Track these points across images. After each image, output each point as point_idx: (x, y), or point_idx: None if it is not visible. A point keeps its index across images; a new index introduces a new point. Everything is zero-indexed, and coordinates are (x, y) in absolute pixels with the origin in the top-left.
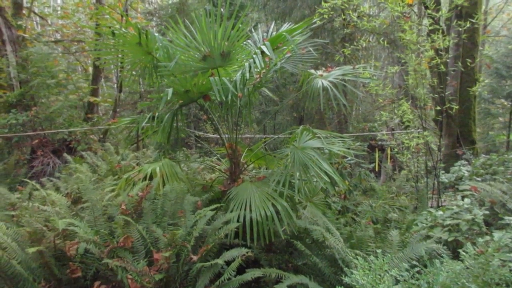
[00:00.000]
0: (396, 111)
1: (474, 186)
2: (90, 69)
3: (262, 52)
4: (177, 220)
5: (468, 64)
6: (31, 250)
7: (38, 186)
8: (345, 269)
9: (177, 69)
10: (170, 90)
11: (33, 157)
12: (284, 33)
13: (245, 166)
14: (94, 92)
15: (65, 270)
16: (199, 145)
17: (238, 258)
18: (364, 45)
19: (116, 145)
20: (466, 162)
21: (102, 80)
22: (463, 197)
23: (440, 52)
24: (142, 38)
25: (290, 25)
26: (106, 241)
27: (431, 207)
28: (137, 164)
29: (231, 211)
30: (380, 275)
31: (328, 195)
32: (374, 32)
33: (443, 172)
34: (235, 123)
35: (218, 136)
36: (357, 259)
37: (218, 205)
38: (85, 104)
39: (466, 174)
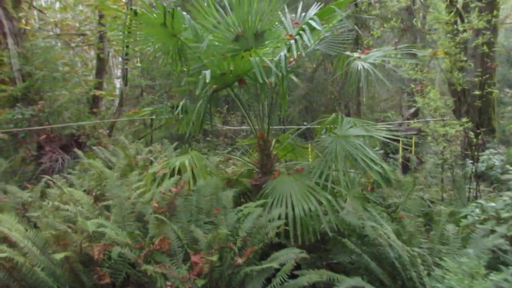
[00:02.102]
0: (426, 98)
1: None
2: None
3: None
4: (213, 218)
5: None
6: (59, 256)
7: (55, 183)
8: (404, 272)
9: (205, 52)
10: (208, 72)
11: (40, 154)
12: (332, 6)
13: (277, 158)
14: (98, 86)
15: (92, 277)
16: (208, 138)
17: (291, 260)
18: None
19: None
20: (495, 151)
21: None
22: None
23: (484, 31)
24: (168, 18)
25: (318, 5)
26: (138, 243)
27: (472, 198)
28: (155, 158)
29: (270, 207)
30: (476, 279)
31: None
32: (387, 18)
33: (471, 162)
34: (267, 111)
35: (238, 127)
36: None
37: (264, 200)
38: (89, 99)
39: (497, 163)
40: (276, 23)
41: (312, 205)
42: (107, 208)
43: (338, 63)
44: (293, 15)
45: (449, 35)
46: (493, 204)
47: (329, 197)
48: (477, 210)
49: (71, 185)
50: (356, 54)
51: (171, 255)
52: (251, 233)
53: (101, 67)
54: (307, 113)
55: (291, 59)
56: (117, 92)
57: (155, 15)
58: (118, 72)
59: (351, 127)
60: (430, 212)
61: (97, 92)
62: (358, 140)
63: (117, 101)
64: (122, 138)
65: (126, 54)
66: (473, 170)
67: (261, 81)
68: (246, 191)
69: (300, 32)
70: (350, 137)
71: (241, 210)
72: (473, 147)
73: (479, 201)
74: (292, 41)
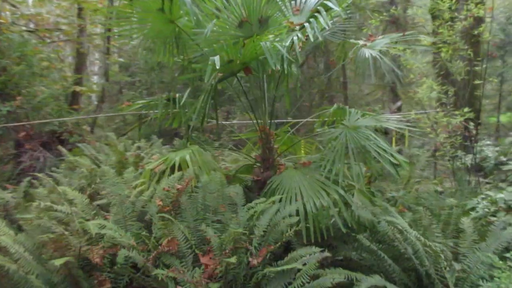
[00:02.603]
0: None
1: None
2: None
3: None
4: (221, 216)
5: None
6: (59, 261)
7: (41, 182)
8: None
9: (206, 39)
10: (217, 58)
11: (20, 152)
12: None
13: (277, 152)
14: (78, 82)
15: (92, 282)
16: (193, 134)
17: (314, 260)
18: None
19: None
20: (488, 143)
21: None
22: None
23: (486, 17)
24: (166, 3)
25: None
26: (144, 245)
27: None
28: (146, 155)
29: (279, 203)
30: None
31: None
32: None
33: (464, 153)
34: (270, 103)
35: (229, 122)
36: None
37: (279, 196)
38: (69, 95)
39: (490, 154)
40: (277, 10)
41: (324, 200)
42: (102, 207)
43: (342, 51)
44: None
45: (448, 23)
46: (501, 195)
47: (341, 191)
48: (484, 202)
49: (57, 184)
50: (361, 42)
51: (180, 257)
52: (266, 232)
53: (81, 62)
54: (293, 107)
55: (299, 46)
56: (95, 88)
57: (150, 1)
58: (95, 68)
59: (359, 118)
60: (435, 205)
61: (78, 88)
62: (369, 131)
63: (94, 98)
64: (110, 134)
65: (108, 49)
66: (473, 161)
67: (273, 67)
68: (245, 187)
69: (316, 14)
70: (361, 128)
71: (252, 207)
72: (473, 138)
73: (487, 192)
74: (306, 24)
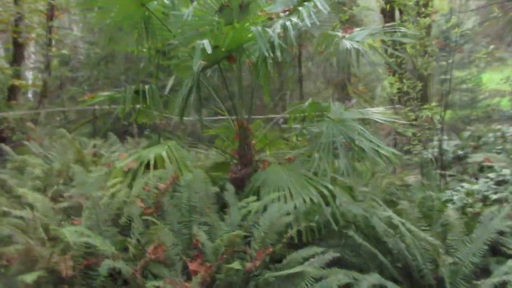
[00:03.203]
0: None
1: (486, 158)
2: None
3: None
4: (206, 217)
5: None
6: (30, 277)
7: None
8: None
9: (183, 25)
10: (206, 42)
11: None
12: None
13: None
14: (16, 75)
15: None
16: (146, 132)
17: (321, 262)
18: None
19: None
20: (445, 137)
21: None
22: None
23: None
24: None
25: None
26: (125, 253)
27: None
28: (107, 153)
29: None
30: None
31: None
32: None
33: (422, 148)
34: (249, 96)
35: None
36: None
37: (276, 194)
38: (5, 89)
39: (448, 148)
40: None
41: (314, 196)
42: (66, 211)
43: (322, 42)
44: None
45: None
46: (476, 187)
47: (331, 186)
48: (459, 195)
49: (2, 186)
50: (339, 34)
51: (168, 265)
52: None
53: (19, 54)
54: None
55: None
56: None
57: None
58: (29, 62)
59: (343, 111)
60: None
61: (17, 82)
62: (356, 124)
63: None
64: (63, 130)
65: (50, 39)
66: (440, 155)
67: (266, 54)
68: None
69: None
70: (348, 121)
71: (244, 207)
72: (438, 133)
73: (463, 184)
74: (301, 8)
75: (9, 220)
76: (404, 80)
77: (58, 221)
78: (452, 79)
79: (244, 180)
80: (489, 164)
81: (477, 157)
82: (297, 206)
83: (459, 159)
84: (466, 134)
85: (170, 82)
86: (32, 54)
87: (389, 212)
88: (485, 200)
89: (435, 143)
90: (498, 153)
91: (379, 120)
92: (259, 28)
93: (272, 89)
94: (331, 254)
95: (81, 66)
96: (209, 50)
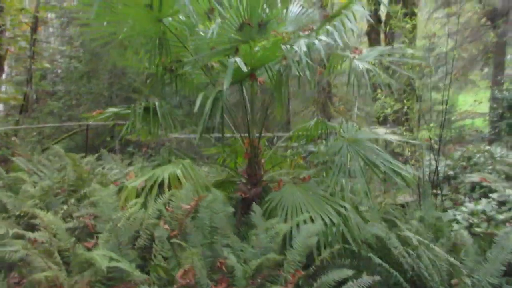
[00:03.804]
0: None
1: (483, 177)
2: None
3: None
4: (227, 239)
5: None
6: None
7: None
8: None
9: (201, 42)
10: (239, 60)
11: None
12: None
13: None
14: None
15: None
16: (130, 149)
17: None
18: None
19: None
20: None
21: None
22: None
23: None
24: None
25: None
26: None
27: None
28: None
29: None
30: None
31: None
32: None
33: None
34: (263, 114)
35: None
36: None
37: (305, 215)
38: None
39: (439, 168)
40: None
41: (333, 217)
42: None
43: (333, 62)
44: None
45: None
46: (479, 207)
47: (348, 206)
48: (462, 214)
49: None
50: (349, 54)
51: None
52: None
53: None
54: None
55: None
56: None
57: None
58: (3, 76)
59: (356, 130)
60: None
61: None
62: (373, 145)
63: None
64: (56, 146)
65: (33, 52)
66: (436, 175)
67: (297, 73)
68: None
69: (342, 17)
70: (363, 141)
71: (269, 228)
72: (436, 152)
73: (466, 204)
74: (337, 23)
75: (21, 243)
76: (405, 101)
77: (72, 244)
78: (430, 100)
79: (253, 200)
80: (486, 184)
81: (474, 177)
82: (318, 227)
83: (448, 179)
84: (457, 154)
85: (198, 100)
86: (7, 67)
87: (407, 232)
88: (489, 220)
89: (426, 163)
90: (490, 173)
91: (392, 140)
92: (288, 46)
93: (257, 107)
94: (369, 278)
95: (59, 81)
96: (244, 68)
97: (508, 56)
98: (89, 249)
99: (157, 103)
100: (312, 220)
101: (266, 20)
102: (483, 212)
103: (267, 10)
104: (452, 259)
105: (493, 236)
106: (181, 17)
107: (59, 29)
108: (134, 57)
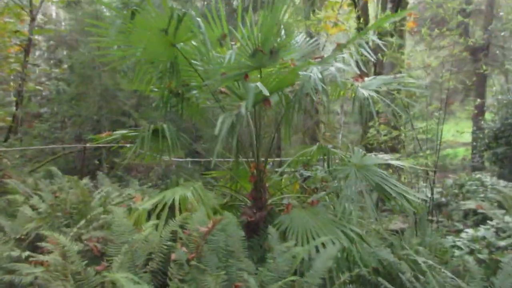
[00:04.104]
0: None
1: (479, 205)
2: None
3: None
4: (241, 263)
5: None
6: None
7: None
8: None
9: (212, 68)
10: (260, 85)
11: None
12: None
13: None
14: None
15: None
16: (119, 173)
17: None
18: None
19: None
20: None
21: None
22: (465, 216)
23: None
24: (173, 24)
25: None
26: None
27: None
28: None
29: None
30: None
31: None
32: None
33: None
34: (271, 137)
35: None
36: None
37: (324, 238)
38: None
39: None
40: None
41: (344, 241)
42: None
43: (335, 90)
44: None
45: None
46: (480, 233)
47: (359, 231)
48: (462, 241)
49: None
50: (353, 82)
51: None
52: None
53: None
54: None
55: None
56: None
57: (152, 19)
58: None
59: (362, 156)
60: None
61: None
62: (381, 170)
63: None
64: (54, 168)
65: (25, 75)
66: (432, 201)
67: (314, 98)
68: None
69: (360, 42)
70: (371, 166)
71: (284, 251)
72: (431, 179)
73: (467, 230)
74: (346, 56)
75: (28, 266)
76: (402, 128)
77: (84, 267)
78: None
79: (259, 224)
80: (482, 211)
81: (470, 204)
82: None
83: (439, 206)
84: (449, 182)
85: (219, 122)
86: None
87: (422, 258)
88: (490, 246)
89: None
90: (482, 201)
91: (398, 165)
92: (310, 72)
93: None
94: None
95: (45, 103)
96: (266, 93)
97: (494, 88)
98: (99, 272)
99: (165, 126)
100: (323, 245)
101: (278, 48)
102: (483, 238)
103: (278, 39)
104: (463, 284)
105: (497, 262)
106: (193, 42)
107: (47, 52)
108: (125, 80)
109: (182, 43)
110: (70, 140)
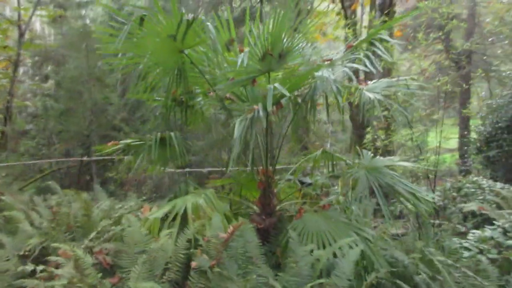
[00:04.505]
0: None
1: (481, 206)
2: None
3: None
4: (259, 269)
5: None
6: None
7: None
8: None
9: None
10: (279, 86)
11: None
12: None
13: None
14: None
15: None
16: (111, 187)
17: None
18: None
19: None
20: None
21: None
22: (464, 218)
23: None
24: (181, 29)
25: None
26: None
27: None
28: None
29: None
30: None
31: None
32: None
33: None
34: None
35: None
36: None
37: (348, 239)
38: None
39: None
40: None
41: (359, 243)
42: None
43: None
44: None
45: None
46: (487, 233)
47: (373, 233)
48: (470, 241)
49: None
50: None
51: None
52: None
53: None
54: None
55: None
56: None
57: (161, 26)
58: None
59: (371, 158)
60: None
61: None
62: (392, 172)
63: None
64: (52, 183)
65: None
66: (434, 203)
67: (340, 101)
68: None
69: (372, 46)
70: (381, 168)
71: (305, 256)
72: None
73: (474, 231)
74: (362, 55)
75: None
76: (402, 132)
77: (99, 280)
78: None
79: (269, 230)
80: (485, 212)
81: (472, 206)
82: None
83: (437, 209)
84: (448, 185)
85: (237, 127)
86: None
87: (439, 257)
88: (499, 246)
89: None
90: (482, 202)
91: (407, 166)
92: (322, 73)
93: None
94: None
95: (31, 119)
96: (287, 93)
97: (483, 93)
98: (114, 285)
99: (172, 134)
100: (340, 248)
101: (286, 52)
102: (491, 238)
103: (286, 44)
104: (486, 282)
105: (509, 261)
106: (201, 48)
107: (32, 68)
108: (115, 94)
109: (187, 50)
110: (59, 156)
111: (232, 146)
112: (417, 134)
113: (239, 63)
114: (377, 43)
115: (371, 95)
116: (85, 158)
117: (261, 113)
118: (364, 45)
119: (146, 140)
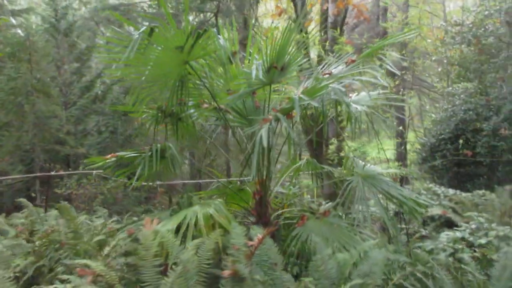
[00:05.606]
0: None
1: (444, 211)
2: None
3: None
4: (280, 273)
5: None
6: None
7: None
8: None
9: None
10: (304, 96)
11: None
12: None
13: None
14: None
15: None
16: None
17: None
18: None
19: None
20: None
21: None
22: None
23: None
24: (190, 41)
25: None
26: None
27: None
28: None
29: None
30: None
31: None
32: None
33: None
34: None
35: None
36: None
37: (373, 241)
38: None
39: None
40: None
41: (366, 247)
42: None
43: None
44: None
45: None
46: (458, 234)
47: (374, 237)
48: (442, 243)
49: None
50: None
51: None
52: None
53: None
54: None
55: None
56: None
57: (170, 36)
58: None
59: (363, 166)
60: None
61: None
62: (386, 178)
63: None
64: (24, 200)
65: None
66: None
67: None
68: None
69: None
70: (375, 175)
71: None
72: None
73: (446, 232)
74: (371, 70)
75: None
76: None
77: None
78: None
79: None
80: (447, 216)
81: (436, 211)
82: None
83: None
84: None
85: (259, 135)
86: None
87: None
88: (470, 246)
89: (371, 202)
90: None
91: (401, 173)
92: (336, 87)
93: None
94: None
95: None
96: (315, 104)
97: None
98: None
99: (171, 145)
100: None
101: (287, 65)
102: (463, 238)
103: (288, 56)
104: (477, 274)
105: (486, 257)
106: (203, 60)
107: None
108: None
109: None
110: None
111: (249, 157)
112: (359, 146)
113: (253, 74)
114: (384, 58)
115: (359, 108)
116: (53, 173)
117: (284, 123)
118: (367, 60)
119: (141, 152)
